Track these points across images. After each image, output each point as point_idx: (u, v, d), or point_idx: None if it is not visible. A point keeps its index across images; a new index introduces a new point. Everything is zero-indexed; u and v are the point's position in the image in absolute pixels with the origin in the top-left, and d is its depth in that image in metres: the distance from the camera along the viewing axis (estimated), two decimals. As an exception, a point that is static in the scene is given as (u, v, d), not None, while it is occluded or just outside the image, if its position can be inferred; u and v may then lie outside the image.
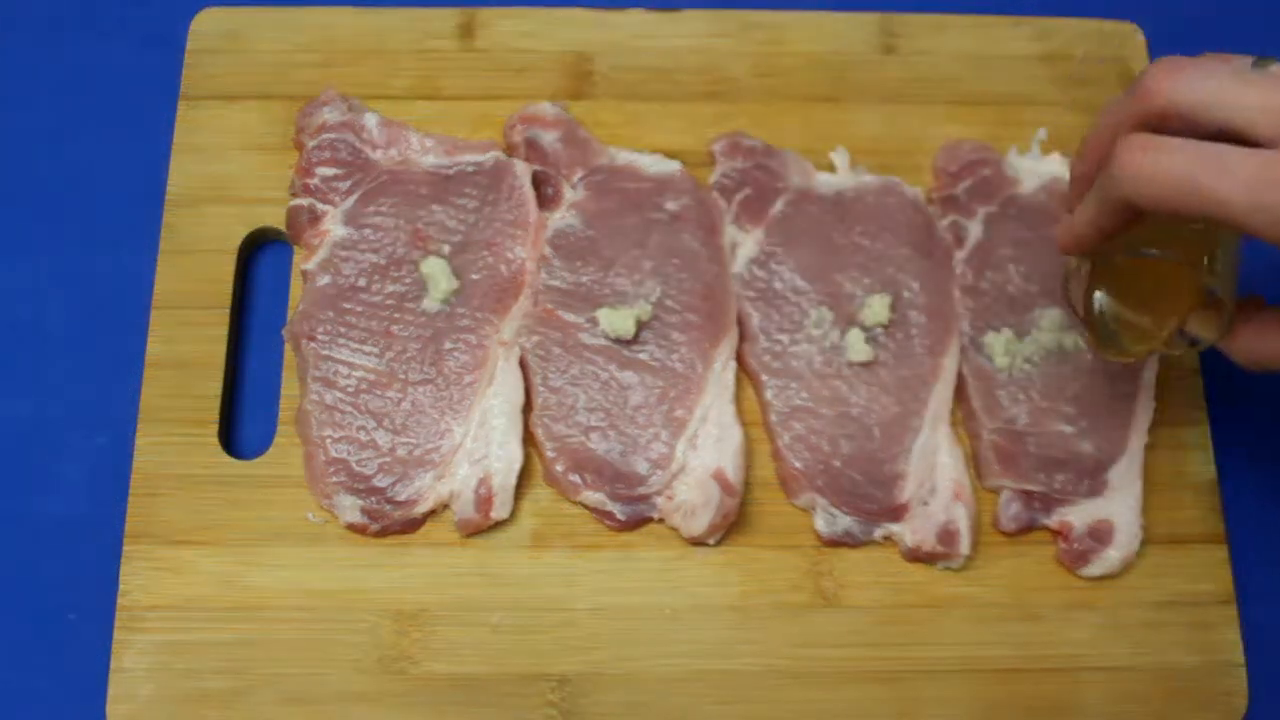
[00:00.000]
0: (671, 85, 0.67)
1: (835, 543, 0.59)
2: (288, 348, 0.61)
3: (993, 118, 0.67)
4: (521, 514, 0.59)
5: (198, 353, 0.61)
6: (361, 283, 0.61)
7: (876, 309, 0.61)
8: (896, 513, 0.59)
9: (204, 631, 0.56)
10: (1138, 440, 0.60)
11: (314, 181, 0.62)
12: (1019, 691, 0.57)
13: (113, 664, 0.56)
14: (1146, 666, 0.58)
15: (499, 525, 0.58)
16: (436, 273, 0.60)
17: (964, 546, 0.58)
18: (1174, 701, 0.58)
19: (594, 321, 0.61)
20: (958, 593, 0.59)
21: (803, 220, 0.64)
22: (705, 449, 0.59)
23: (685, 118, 0.66)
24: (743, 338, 0.62)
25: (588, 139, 0.64)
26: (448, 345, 0.60)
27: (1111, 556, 0.58)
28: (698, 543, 0.59)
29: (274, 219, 0.63)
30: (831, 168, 0.65)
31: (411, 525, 0.58)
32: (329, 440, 0.58)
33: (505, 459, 0.58)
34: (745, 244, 0.64)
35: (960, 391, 0.62)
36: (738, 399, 0.60)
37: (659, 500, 0.59)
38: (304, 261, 0.61)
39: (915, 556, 0.59)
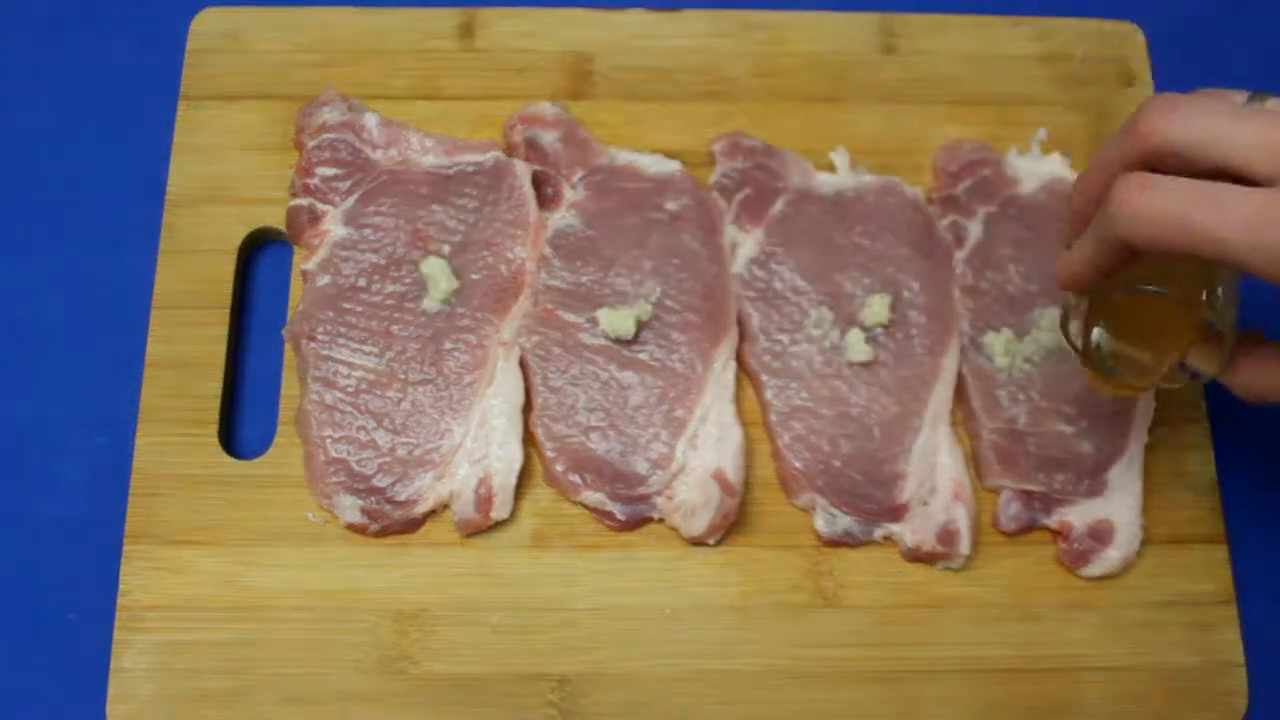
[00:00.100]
0: (671, 85, 0.67)
1: (835, 543, 0.59)
2: (288, 348, 0.61)
3: (993, 118, 0.67)
4: (521, 514, 0.59)
5: (198, 353, 0.61)
6: (361, 283, 0.61)
7: (876, 309, 0.61)
8: (896, 513, 0.59)
9: (204, 631, 0.56)
10: (1137, 440, 0.60)
11: (314, 181, 0.62)
12: (1019, 691, 0.57)
13: (113, 664, 0.56)
14: (1146, 666, 0.58)
15: (499, 525, 0.58)
16: (436, 273, 0.60)
17: (964, 546, 0.58)
18: (1174, 701, 0.58)
19: (594, 321, 0.61)
20: (958, 593, 0.59)
21: (803, 220, 0.64)
22: (705, 449, 0.59)
23: (685, 118, 0.66)
24: (743, 338, 0.62)
25: (588, 139, 0.64)
26: (448, 345, 0.60)
27: (1111, 556, 0.59)
28: (698, 543, 0.59)
29: (274, 219, 0.63)
30: (831, 168, 0.65)
31: (411, 525, 0.58)
32: (329, 440, 0.58)
33: (505, 459, 0.58)
34: (745, 244, 0.64)
35: (960, 391, 0.62)
36: (738, 399, 0.60)
37: (659, 500, 0.59)
38: (304, 261, 0.62)
39: (915, 556, 0.59)
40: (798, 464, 0.59)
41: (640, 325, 0.60)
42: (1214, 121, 0.43)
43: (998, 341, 0.61)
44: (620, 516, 0.58)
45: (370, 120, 0.64)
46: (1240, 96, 0.46)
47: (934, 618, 0.58)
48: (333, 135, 0.63)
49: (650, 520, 0.59)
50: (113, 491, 0.59)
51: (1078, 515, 0.59)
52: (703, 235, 0.63)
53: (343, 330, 0.60)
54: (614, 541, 0.59)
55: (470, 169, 0.63)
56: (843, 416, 0.60)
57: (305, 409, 0.59)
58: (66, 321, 0.63)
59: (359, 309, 0.60)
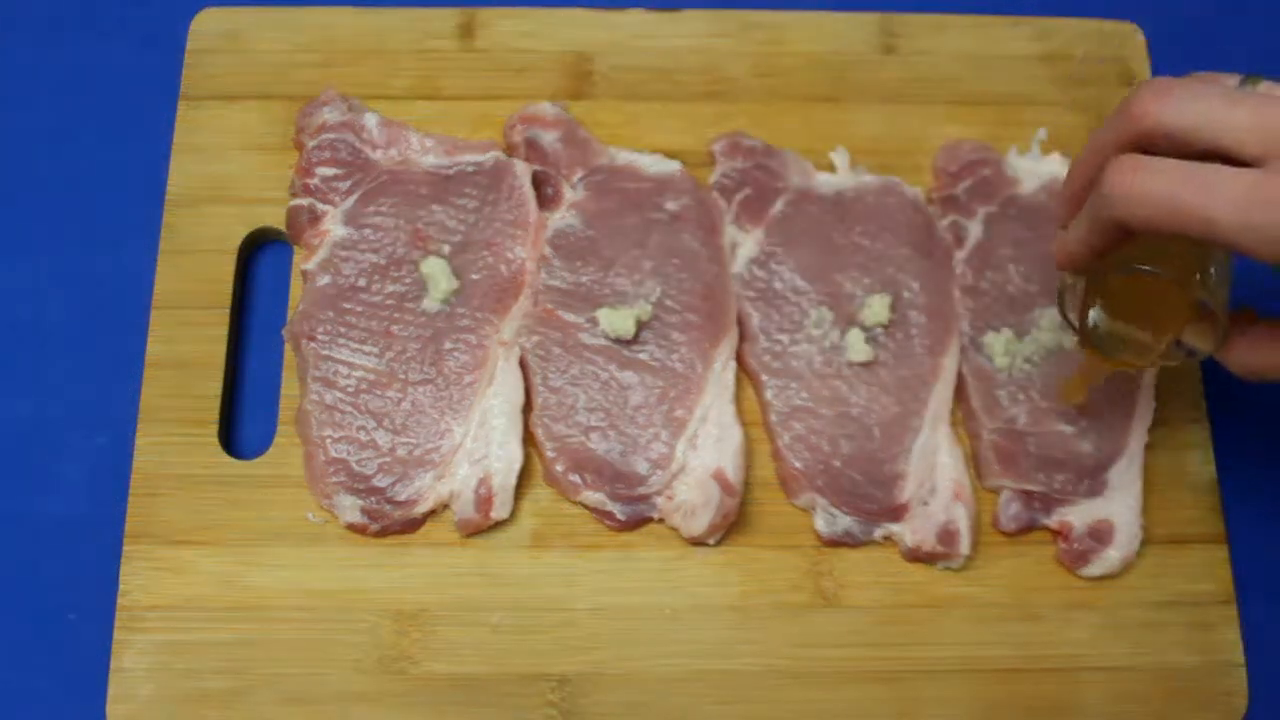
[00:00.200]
0: (671, 85, 0.67)
1: (835, 543, 0.59)
2: (288, 348, 0.61)
3: (993, 118, 0.67)
4: (521, 514, 0.59)
5: (198, 353, 0.61)
6: (361, 283, 0.61)
7: (876, 309, 0.61)
8: (896, 513, 0.59)
9: (204, 631, 0.56)
10: (1138, 440, 0.60)
11: (314, 181, 0.62)
12: (1019, 691, 0.57)
13: (113, 664, 0.56)
14: (1146, 666, 0.58)
15: (499, 525, 0.58)
16: (436, 273, 0.60)
17: (964, 546, 0.58)
18: (1174, 701, 0.58)
19: (594, 321, 0.61)
20: (958, 593, 0.59)
21: (803, 220, 0.64)
22: (705, 449, 0.59)
23: (685, 118, 0.66)
24: (743, 338, 0.62)
25: (588, 139, 0.64)
26: (448, 345, 0.60)
27: (1111, 556, 0.59)
28: (698, 543, 0.59)
29: (274, 219, 0.63)
30: (831, 168, 0.65)
31: (411, 525, 0.58)
32: (329, 440, 0.58)
33: (505, 459, 0.58)
34: (745, 244, 0.64)
35: (960, 391, 0.62)
36: (738, 399, 0.60)
37: (659, 500, 0.59)
38: (304, 261, 0.62)
39: (915, 556, 0.59)
40: (798, 464, 0.59)
41: (640, 325, 0.60)
42: (1206, 105, 0.44)
43: (998, 341, 0.61)
44: (620, 516, 0.58)
45: (370, 120, 0.64)
46: (1233, 80, 0.47)
47: (934, 618, 0.58)
48: (333, 135, 0.63)
49: (650, 520, 0.59)
50: (113, 491, 0.59)
51: (1078, 515, 0.59)
52: (703, 235, 0.63)
53: (343, 330, 0.60)
54: (614, 541, 0.59)
55: (470, 169, 0.63)
56: (843, 416, 0.60)
57: (305, 409, 0.59)
58: (66, 321, 0.63)
59: (359, 309, 0.60)
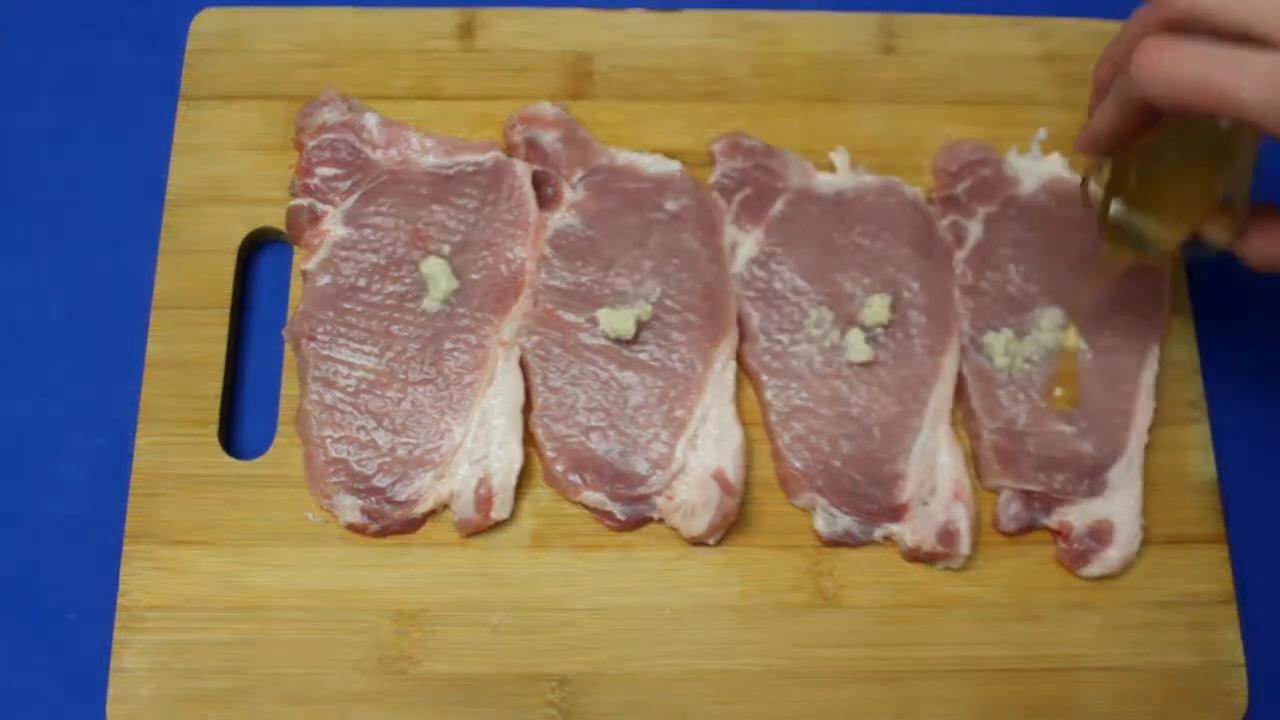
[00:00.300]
0: (671, 85, 0.67)
1: (835, 543, 0.59)
2: (288, 348, 0.61)
3: (993, 118, 0.67)
4: (521, 514, 0.59)
5: (198, 353, 0.61)
6: (361, 283, 0.61)
7: (876, 309, 0.61)
8: (896, 513, 0.59)
9: (204, 631, 0.56)
10: (1138, 440, 0.60)
11: (314, 181, 0.62)
12: (1019, 691, 0.57)
13: (113, 664, 0.56)
14: (1146, 666, 0.58)
15: (499, 525, 0.58)
16: (436, 273, 0.60)
17: (964, 546, 0.58)
18: (1174, 701, 0.58)
19: (594, 321, 0.61)
20: (958, 593, 0.59)
21: (803, 220, 0.64)
22: (705, 449, 0.59)
23: (685, 118, 0.66)
24: (743, 338, 0.62)
25: (588, 139, 0.64)
26: (448, 345, 0.60)
27: (1111, 556, 0.59)
28: (698, 543, 0.59)
29: (274, 219, 0.63)
30: (831, 168, 0.65)
31: (411, 525, 0.58)
32: (329, 440, 0.58)
33: (505, 459, 0.58)
34: (745, 244, 0.64)
35: (960, 391, 0.62)
36: (738, 399, 0.60)
37: (659, 500, 0.59)
38: (304, 261, 0.62)
39: (915, 556, 0.59)
40: (798, 464, 0.59)
41: (640, 325, 0.60)
42: None
43: (998, 341, 0.61)
44: (620, 516, 0.58)
45: (370, 120, 0.64)
46: None
47: (934, 618, 0.58)
48: (333, 135, 0.63)
49: (650, 520, 0.59)
50: (113, 491, 0.59)
51: (1078, 515, 0.59)
52: (703, 235, 0.63)
53: (343, 330, 0.60)
54: (614, 541, 0.59)
55: (470, 169, 0.63)
56: (843, 416, 0.60)
57: (305, 409, 0.59)
58: (66, 321, 0.63)
59: (359, 309, 0.60)
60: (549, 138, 0.64)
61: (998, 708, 0.57)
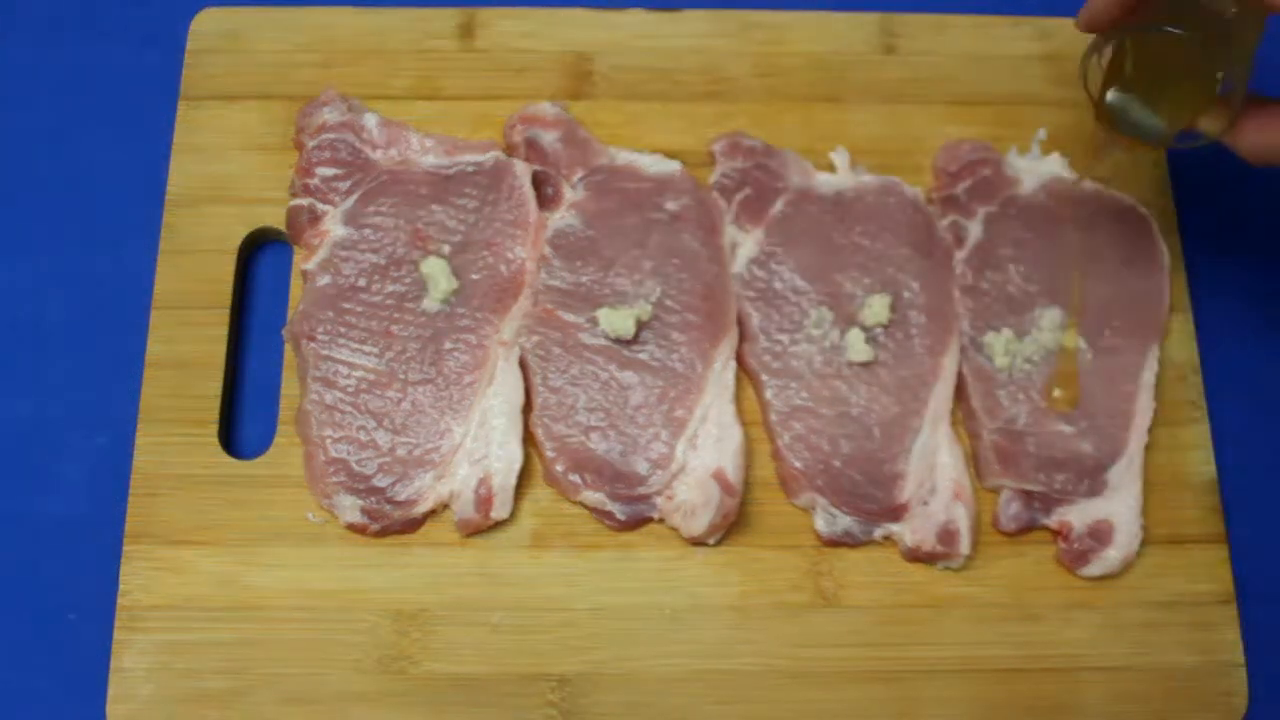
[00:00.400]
0: (671, 85, 0.67)
1: (835, 543, 0.59)
2: (288, 348, 0.61)
3: (993, 118, 0.67)
4: (521, 514, 0.59)
5: (198, 353, 0.61)
6: (361, 283, 0.61)
7: (876, 309, 0.61)
8: (896, 513, 0.59)
9: (204, 631, 0.56)
10: (1138, 440, 0.60)
11: (314, 181, 0.62)
12: (1019, 691, 0.57)
13: (113, 664, 0.56)
14: (1146, 666, 0.58)
15: (499, 525, 0.58)
16: (436, 273, 0.60)
17: (964, 546, 0.58)
18: (1174, 701, 0.58)
19: (594, 321, 0.61)
20: (958, 593, 0.59)
21: (803, 220, 0.64)
22: (705, 449, 0.59)
23: (685, 118, 0.66)
24: (743, 338, 0.62)
25: (588, 139, 0.64)
26: (448, 345, 0.60)
27: (1111, 556, 0.58)
28: (698, 543, 0.59)
29: (274, 219, 0.63)
30: (831, 168, 0.65)
31: (411, 525, 0.58)
32: (329, 440, 0.58)
33: (505, 459, 0.58)
34: (745, 244, 0.64)
35: (960, 391, 0.62)
36: (738, 399, 0.60)
37: (659, 500, 0.59)
38: (304, 261, 0.61)
39: (915, 556, 0.59)
40: (798, 464, 0.59)
41: (640, 325, 0.60)
42: None
43: (998, 341, 0.61)
44: (620, 516, 0.58)
45: (370, 120, 0.64)
46: None
47: (934, 618, 0.58)
48: (333, 135, 0.63)
49: (650, 520, 0.59)
50: (113, 491, 0.59)
51: (1078, 515, 0.59)
52: (703, 235, 0.63)
53: (343, 330, 0.60)
54: (614, 541, 0.59)
55: (470, 169, 0.63)
56: (843, 416, 0.60)
57: (305, 409, 0.59)
58: (66, 321, 0.63)
59: (359, 309, 0.60)
60: (549, 138, 0.64)
61: (998, 708, 0.57)
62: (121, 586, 0.56)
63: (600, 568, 0.58)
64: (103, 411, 0.61)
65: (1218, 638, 0.59)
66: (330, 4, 0.68)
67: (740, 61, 0.68)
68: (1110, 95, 0.53)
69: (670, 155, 0.64)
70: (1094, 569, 0.59)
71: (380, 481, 0.58)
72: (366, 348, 0.60)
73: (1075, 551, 0.59)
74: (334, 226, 0.62)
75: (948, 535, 0.58)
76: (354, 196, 0.62)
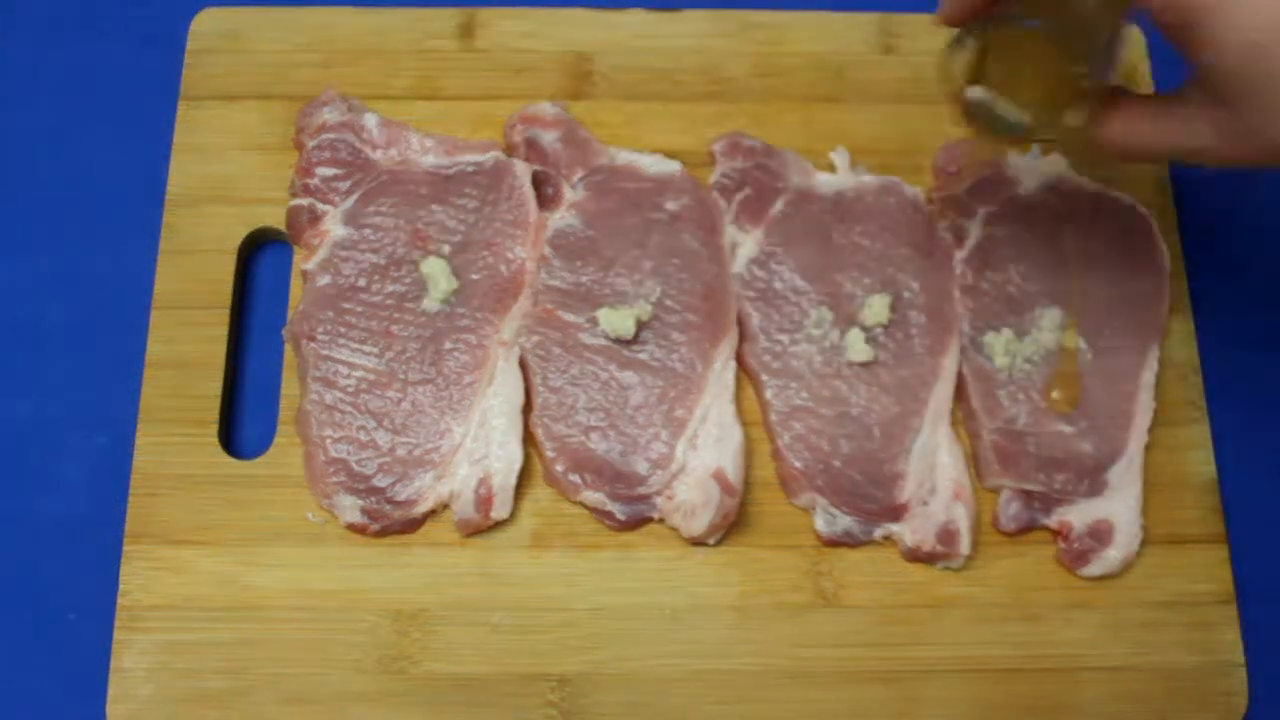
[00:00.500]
0: (671, 85, 0.67)
1: (835, 543, 0.59)
2: (288, 348, 0.61)
3: (993, 118, 0.67)
4: (521, 514, 0.59)
5: (198, 353, 0.61)
6: (361, 283, 0.61)
7: (876, 309, 0.61)
8: (896, 513, 0.59)
9: (204, 631, 0.56)
10: (1138, 440, 0.60)
11: (314, 181, 0.62)
12: (1019, 691, 0.57)
13: (113, 664, 0.56)
14: (1146, 666, 0.58)
15: (499, 525, 0.58)
16: (436, 273, 0.60)
17: (964, 546, 0.58)
18: (1174, 701, 0.58)
19: (594, 321, 0.61)
20: (958, 593, 0.59)
21: (803, 220, 0.64)
22: (705, 449, 0.59)
23: (685, 118, 0.66)
24: (743, 338, 0.62)
25: (588, 139, 0.64)
26: (448, 345, 0.60)
27: (1111, 556, 0.58)
28: (698, 543, 0.59)
29: (274, 219, 0.63)
30: (831, 168, 0.65)
31: (411, 525, 0.58)
32: (329, 440, 0.58)
33: (505, 459, 0.58)
34: (745, 244, 0.64)
35: (960, 391, 0.62)
36: (738, 399, 0.60)
37: (659, 500, 0.59)
38: (304, 261, 0.62)
39: (915, 556, 0.59)
40: (798, 464, 0.59)
41: (640, 325, 0.60)
42: None
43: (998, 341, 0.61)
44: (620, 516, 0.58)
45: (370, 120, 0.64)
46: None
47: (934, 618, 0.58)
48: (333, 135, 0.63)
49: (650, 520, 0.59)
50: (113, 491, 0.59)
51: (1078, 515, 0.59)
52: (703, 235, 0.63)
53: (343, 330, 0.60)
54: (614, 541, 0.59)
55: (470, 169, 0.63)
56: (843, 416, 0.60)
57: (305, 409, 0.59)
58: (66, 321, 0.63)
59: (359, 309, 0.60)
60: (549, 138, 0.64)
61: (998, 708, 0.57)
62: (121, 586, 0.56)
63: (600, 568, 0.58)
64: (103, 411, 0.61)
65: (1218, 638, 0.59)
66: (330, 4, 0.68)
67: (740, 61, 0.68)
68: (972, 92, 0.52)
69: (670, 155, 0.64)
70: (1094, 569, 0.59)
71: (380, 481, 0.58)
72: (366, 348, 0.60)
73: (1075, 551, 0.59)
74: (334, 226, 0.62)
75: (948, 535, 0.58)
76: (354, 196, 0.62)
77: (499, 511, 0.58)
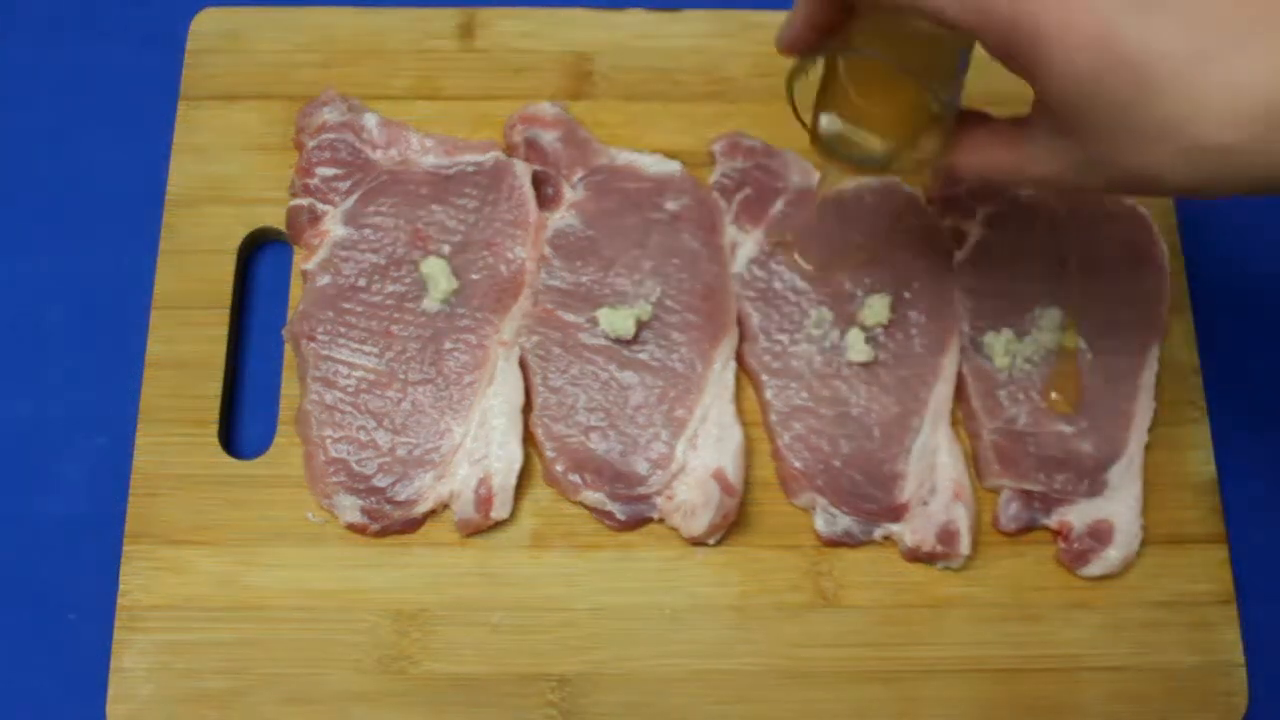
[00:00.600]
0: (671, 85, 0.67)
1: (835, 543, 0.59)
2: (288, 348, 0.61)
3: (993, 118, 0.67)
4: (521, 514, 0.59)
5: (198, 353, 0.61)
6: (361, 283, 0.61)
7: (876, 309, 0.61)
8: (896, 513, 0.59)
9: (204, 631, 0.56)
10: (1138, 440, 0.60)
11: (314, 181, 0.62)
12: (1019, 691, 0.57)
13: (113, 664, 0.56)
14: (1146, 666, 0.58)
15: (499, 525, 0.58)
16: (436, 273, 0.60)
17: (964, 546, 0.58)
18: (1174, 701, 0.58)
19: (594, 321, 0.61)
20: (958, 593, 0.59)
21: (803, 220, 0.64)
22: (705, 449, 0.59)
23: (685, 118, 0.66)
24: (743, 338, 0.62)
25: (588, 139, 0.64)
26: (448, 345, 0.60)
27: (1111, 556, 0.58)
28: (698, 543, 0.59)
29: (274, 219, 0.63)
30: (831, 168, 0.65)
31: (411, 525, 0.58)
32: (329, 440, 0.58)
33: (505, 459, 0.58)
34: (745, 244, 0.64)
35: (960, 391, 0.62)
36: (738, 399, 0.60)
37: (659, 500, 0.59)
38: (304, 261, 0.62)
39: (915, 556, 0.59)
40: (798, 464, 0.59)
41: (640, 325, 0.60)
42: None
43: (998, 341, 0.61)
44: (620, 516, 0.58)
45: (370, 120, 0.64)
46: None
47: (934, 618, 0.58)
48: (333, 135, 0.63)
49: (650, 520, 0.59)
50: (113, 491, 0.59)
51: (1078, 515, 0.59)
52: (703, 235, 0.63)
53: (343, 330, 0.60)
54: (614, 541, 0.59)
55: (470, 169, 0.63)
56: (843, 416, 0.60)
57: (305, 409, 0.59)
58: (66, 321, 0.63)
59: (359, 309, 0.60)
60: (549, 138, 0.64)
61: (998, 708, 0.57)
62: (121, 586, 0.56)
63: (600, 568, 0.58)
64: (103, 411, 0.61)
65: (1218, 638, 0.59)
66: (330, 4, 0.68)
67: (740, 61, 0.68)
68: (823, 120, 0.50)
69: (670, 155, 0.64)
70: (1094, 569, 0.59)
71: (380, 481, 0.58)
72: (366, 348, 0.60)
73: (1075, 551, 0.59)
74: (334, 226, 0.62)
75: (948, 535, 0.58)
76: (354, 196, 0.62)
77: (499, 511, 0.58)
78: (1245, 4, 0.39)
